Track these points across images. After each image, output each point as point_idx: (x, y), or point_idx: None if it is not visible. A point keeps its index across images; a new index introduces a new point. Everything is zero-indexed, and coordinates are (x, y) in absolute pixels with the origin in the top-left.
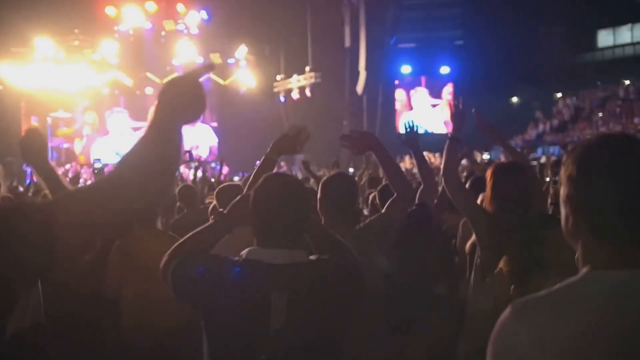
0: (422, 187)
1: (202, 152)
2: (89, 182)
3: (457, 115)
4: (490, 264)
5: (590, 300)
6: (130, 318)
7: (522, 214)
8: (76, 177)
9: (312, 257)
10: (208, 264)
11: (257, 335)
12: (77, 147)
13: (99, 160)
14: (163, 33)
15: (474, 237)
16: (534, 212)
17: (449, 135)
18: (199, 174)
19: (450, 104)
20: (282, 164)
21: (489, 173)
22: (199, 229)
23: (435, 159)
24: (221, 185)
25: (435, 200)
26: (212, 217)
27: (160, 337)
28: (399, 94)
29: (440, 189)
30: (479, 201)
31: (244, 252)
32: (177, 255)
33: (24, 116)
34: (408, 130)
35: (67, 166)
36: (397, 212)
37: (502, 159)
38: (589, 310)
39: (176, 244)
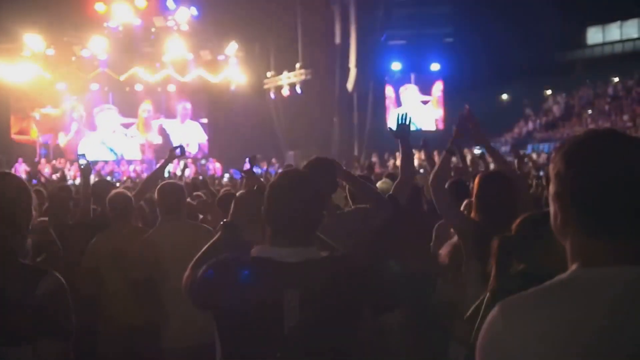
0: (398, 179)
1: (192, 149)
2: (77, 180)
3: (462, 130)
4: (475, 272)
5: (580, 298)
6: (106, 311)
7: (506, 221)
8: (62, 177)
9: (323, 254)
10: (218, 265)
11: (271, 335)
12: (62, 140)
13: (83, 155)
14: (153, 29)
15: (453, 240)
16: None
17: (447, 147)
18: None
19: (462, 118)
20: (273, 160)
21: (475, 182)
22: (211, 241)
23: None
24: (163, 183)
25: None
26: (222, 223)
27: (136, 331)
28: (388, 90)
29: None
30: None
31: (254, 250)
32: (197, 268)
33: (13, 113)
34: (401, 122)
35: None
36: (372, 216)
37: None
38: (578, 307)
39: (195, 259)
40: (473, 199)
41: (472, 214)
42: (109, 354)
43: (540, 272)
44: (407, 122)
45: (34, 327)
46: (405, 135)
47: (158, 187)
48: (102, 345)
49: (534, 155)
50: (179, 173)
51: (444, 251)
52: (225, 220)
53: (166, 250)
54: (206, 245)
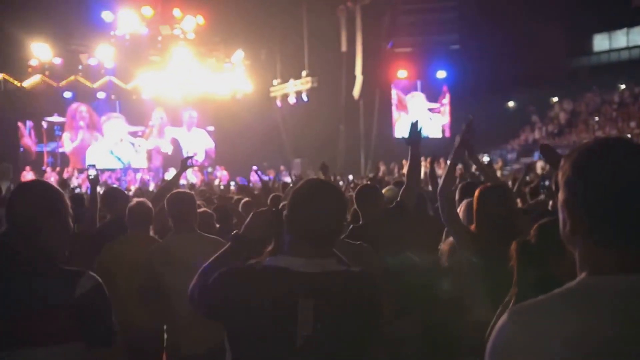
0: (404, 185)
1: (199, 157)
2: (83, 189)
3: (464, 146)
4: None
5: (587, 306)
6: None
7: (507, 230)
8: (63, 183)
9: (340, 268)
10: (229, 273)
11: (283, 345)
12: (67, 146)
13: (93, 166)
14: (159, 38)
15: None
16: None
17: (449, 161)
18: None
19: (463, 135)
20: (282, 168)
21: (475, 196)
22: (219, 252)
23: (440, 166)
24: (173, 192)
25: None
26: (232, 234)
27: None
28: (394, 94)
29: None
30: (460, 211)
31: (270, 259)
32: (204, 277)
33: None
34: (413, 129)
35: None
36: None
37: (500, 162)
38: (586, 316)
39: (201, 268)
40: (474, 212)
41: (472, 226)
42: None
43: (558, 279)
44: (419, 130)
45: (77, 325)
46: (416, 142)
47: (168, 196)
48: None
49: (540, 164)
50: (183, 182)
51: (444, 247)
52: (236, 231)
53: (176, 260)
54: (214, 255)
